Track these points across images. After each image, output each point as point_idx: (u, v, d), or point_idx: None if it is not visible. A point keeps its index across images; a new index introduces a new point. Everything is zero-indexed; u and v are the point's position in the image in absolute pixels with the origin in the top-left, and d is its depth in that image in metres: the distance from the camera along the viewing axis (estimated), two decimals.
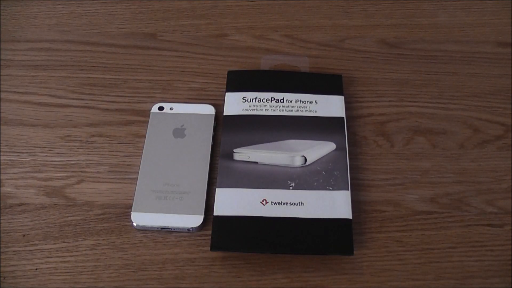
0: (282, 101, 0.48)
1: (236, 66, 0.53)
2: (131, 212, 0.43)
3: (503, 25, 0.56)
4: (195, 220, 0.43)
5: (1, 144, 0.48)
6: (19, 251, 0.43)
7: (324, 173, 0.44)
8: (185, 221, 0.43)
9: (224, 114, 0.48)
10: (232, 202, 0.43)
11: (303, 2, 0.59)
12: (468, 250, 0.43)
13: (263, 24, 0.57)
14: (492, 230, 0.44)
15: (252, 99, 0.48)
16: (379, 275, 0.42)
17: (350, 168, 0.46)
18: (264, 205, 0.42)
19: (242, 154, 0.45)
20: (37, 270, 0.42)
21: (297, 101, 0.48)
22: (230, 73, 0.51)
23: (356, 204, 0.45)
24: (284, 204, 0.42)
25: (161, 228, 0.43)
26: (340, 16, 0.57)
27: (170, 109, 0.49)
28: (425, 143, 0.49)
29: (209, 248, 0.42)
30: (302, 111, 0.48)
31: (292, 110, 0.48)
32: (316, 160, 0.45)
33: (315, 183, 0.43)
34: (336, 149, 0.46)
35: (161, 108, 0.49)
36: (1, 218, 0.44)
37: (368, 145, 0.48)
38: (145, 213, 0.43)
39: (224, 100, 0.49)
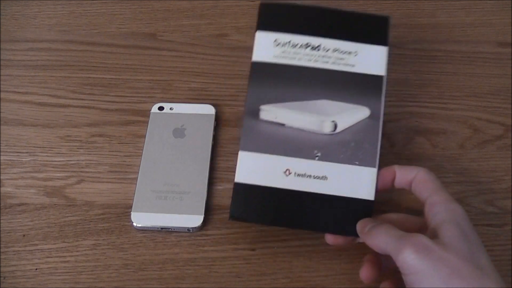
0: (318, 49, 0.43)
1: (236, 66, 0.53)
2: (131, 212, 0.43)
3: (503, 25, 0.56)
4: (195, 220, 0.43)
5: (1, 144, 0.48)
6: (19, 251, 0.43)
7: (353, 144, 0.41)
8: (185, 221, 0.43)
9: (253, 60, 0.43)
10: (255, 169, 0.41)
11: (302, 2, 0.59)
12: None
13: None
14: (492, 230, 0.44)
15: (286, 44, 0.43)
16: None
17: None
18: (287, 175, 0.40)
19: (269, 112, 0.42)
20: (37, 270, 0.42)
21: (335, 50, 0.43)
22: (263, 5, 0.45)
23: None
24: (307, 176, 0.40)
25: (161, 228, 0.43)
26: None
27: (170, 109, 0.49)
28: (425, 143, 0.48)
29: (209, 248, 0.42)
30: (339, 63, 0.43)
31: (328, 62, 0.43)
32: (347, 128, 0.42)
33: (342, 155, 0.41)
34: (369, 116, 0.42)
35: (161, 108, 0.49)
36: (1, 218, 0.44)
37: None
38: (145, 213, 0.43)
39: (254, 40, 0.44)
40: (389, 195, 0.46)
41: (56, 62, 0.53)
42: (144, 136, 0.48)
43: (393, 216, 0.40)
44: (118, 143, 0.48)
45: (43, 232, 0.44)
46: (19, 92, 0.51)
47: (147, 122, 0.49)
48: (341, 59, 0.43)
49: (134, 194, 0.45)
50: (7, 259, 0.42)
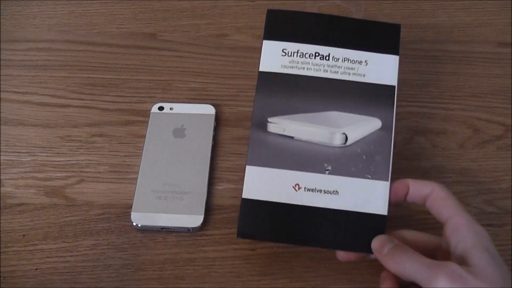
0: (327, 58, 0.42)
1: (236, 66, 0.53)
2: (131, 212, 0.43)
3: (503, 25, 0.56)
4: (195, 220, 0.43)
5: (1, 144, 0.48)
6: (19, 251, 0.43)
7: (364, 157, 0.40)
8: (185, 221, 0.43)
9: (260, 69, 0.42)
10: (263, 184, 0.39)
11: (302, 2, 0.59)
12: None
13: (263, 24, 0.57)
14: (492, 230, 0.44)
15: (294, 53, 0.42)
16: (379, 275, 0.42)
17: None
18: (296, 190, 0.39)
19: (277, 125, 0.40)
20: (37, 270, 0.42)
21: (344, 59, 0.42)
22: (270, 12, 0.44)
23: None
24: (318, 191, 0.39)
25: (161, 228, 0.43)
26: None
27: (170, 109, 0.49)
28: (425, 143, 0.48)
29: (209, 248, 0.42)
30: (349, 73, 0.42)
31: (337, 72, 0.42)
32: (358, 140, 0.40)
33: (353, 168, 0.39)
34: (381, 128, 0.41)
35: (161, 108, 0.49)
36: (1, 218, 0.44)
37: None
38: (145, 213, 0.43)
39: (261, 49, 0.43)
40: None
41: (56, 62, 0.53)
42: (144, 136, 0.48)
43: (406, 234, 0.38)
44: (118, 143, 0.48)
45: (43, 232, 0.44)
46: (19, 92, 0.51)
47: (147, 122, 0.49)
48: (351, 68, 0.42)
49: (134, 194, 0.45)
50: (7, 259, 0.42)
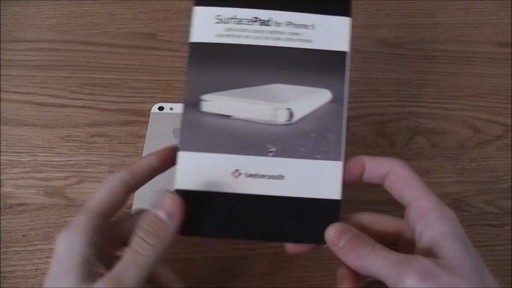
0: (268, 23, 0.37)
1: None
2: (131, 212, 0.43)
3: (503, 25, 0.56)
4: None
5: (1, 144, 0.48)
6: (19, 251, 0.43)
7: (313, 135, 0.35)
8: None
9: (191, 40, 0.36)
10: (198, 172, 0.34)
11: None
12: None
13: None
14: (492, 230, 0.44)
15: (229, 19, 0.37)
16: None
17: None
18: (236, 177, 0.34)
19: (213, 104, 0.35)
20: (37, 270, 0.42)
21: (288, 24, 0.37)
22: None
23: (356, 204, 0.45)
24: (260, 177, 0.34)
25: None
26: None
27: (170, 109, 0.49)
28: (425, 143, 0.49)
29: (209, 248, 0.42)
30: (294, 40, 0.36)
31: (280, 38, 0.36)
32: (305, 116, 0.36)
33: (301, 149, 0.35)
34: (331, 100, 0.35)
35: (161, 108, 0.49)
36: (1, 218, 0.44)
37: (368, 145, 0.48)
38: None
39: (191, 16, 0.37)
40: (389, 194, 0.45)
41: (56, 62, 0.53)
42: (144, 136, 0.48)
43: (364, 218, 0.34)
44: (118, 143, 0.48)
45: (43, 232, 0.44)
46: (19, 92, 0.51)
47: (147, 122, 0.49)
48: (296, 34, 0.37)
49: (134, 194, 0.44)
50: (7, 259, 0.42)
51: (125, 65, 0.53)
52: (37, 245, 0.43)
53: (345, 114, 0.35)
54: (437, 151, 0.48)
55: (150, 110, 0.49)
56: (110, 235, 0.32)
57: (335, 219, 0.34)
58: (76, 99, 0.51)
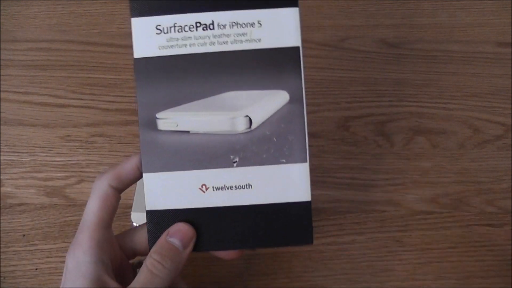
0: (211, 27, 0.34)
1: None
2: (131, 212, 0.43)
3: (503, 25, 0.56)
4: None
5: (1, 144, 0.48)
6: (19, 251, 0.43)
7: (275, 139, 0.34)
8: None
9: (135, 56, 0.35)
10: (166, 191, 0.34)
11: (303, 2, 0.59)
12: (468, 250, 0.43)
13: None
14: (492, 230, 0.44)
15: (170, 28, 0.34)
16: (379, 275, 0.42)
17: (350, 167, 0.46)
18: (204, 192, 0.34)
19: (168, 121, 0.34)
20: (37, 270, 0.42)
21: (232, 24, 0.34)
22: None
23: (356, 204, 0.45)
24: (228, 188, 0.34)
25: None
26: (340, 16, 0.57)
27: None
28: (425, 143, 0.49)
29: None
30: (241, 41, 0.34)
31: (227, 42, 0.34)
32: (264, 121, 0.35)
33: (265, 155, 0.34)
34: (289, 101, 0.34)
35: None
36: (1, 218, 0.44)
37: (368, 145, 0.48)
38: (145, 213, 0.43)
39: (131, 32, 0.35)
40: (389, 194, 0.46)
41: (56, 62, 0.53)
42: None
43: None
44: (118, 143, 0.48)
45: (43, 232, 0.44)
46: (19, 92, 0.51)
47: None
48: (243, 34, 0.34)
49: (134, 194, 0.45)
50: (7, 259, 0.42)
51: (125, 65, 0.53)
52: (37, 245, 0.43)
53: (305, 113, 0.34)
54: (437, 151, 0.48)
55: None
56: (114, 247, 0.34)
57: (309, 219, 0.34)
58: (76, 99, 0.51)
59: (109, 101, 0.51)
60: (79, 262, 0.31)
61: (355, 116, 0.50)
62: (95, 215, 0.33)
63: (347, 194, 0.46)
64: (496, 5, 0.57)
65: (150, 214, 0.34)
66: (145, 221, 0.44)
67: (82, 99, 0.51)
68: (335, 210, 0.45)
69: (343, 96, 0.51)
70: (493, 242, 0.43)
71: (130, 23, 0.34)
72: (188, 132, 0.34)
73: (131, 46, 0.54)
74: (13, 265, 0.42)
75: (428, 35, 0.55)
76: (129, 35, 0.56)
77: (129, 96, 0.51)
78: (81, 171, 0.47)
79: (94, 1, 0.58)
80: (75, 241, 0.32)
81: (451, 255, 0.43)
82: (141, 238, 0.35)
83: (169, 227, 0.34)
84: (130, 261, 0.36)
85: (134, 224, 0.43)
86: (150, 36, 0.34)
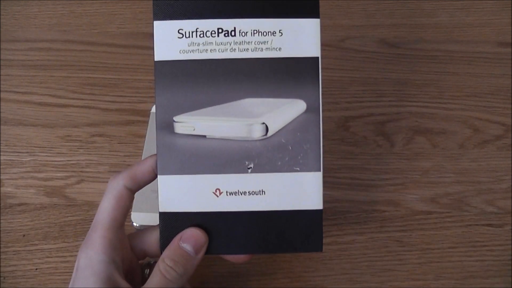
0: (233, 33, 0.35)
1: None
2: (131, 212, 0.43)
3: (503, 25, 0.56)
4: None
5: (1, 144, 0.48)
6: (19, 251, 0.43)
7: (290, 147, 0.35)
8: None
9: (156, 59, 0.35)
10: (180, 193, 0.35)
11: None
12: (468, 250, 0.43)
13: None
14: (492, 230, 0.44)
15: (192, 33, 0.35)
16: (379, 275, 0.42)
17: (350, 167, 0.46)
18: (217, 196, 0.35)
19: (185, 124, 0.35)
20: (37, 270, 0.42)
21: (254, 32, 0.35)
22: None
23: (356, 204, 0.45)
24: (241, 194, 0.35)
25: None
26: (340, 16, 0.57)
27: None
28: (425, 143, 0.49)
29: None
30: (262, 49, 0.35)
31: (248, 50, 0.35)
32: (281, 129, 0.35)
33: (279, 162, 0.35)
34: (306, 111, 0.35)
35: None
36: (1, 218, 0.44)
37: (368, 145, 0.48)
38: (145, 213, 0.43)
39: (153, 34, 0.35)
40: (389, 194, 0.46)
41: (56, 62, 0.53)
42: (144, 136, 0.48)
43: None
44: (118, 143, 0.48)
45: (43, 232, 0.44)
46: (19, 92, 0.51)
47: (147, 122, 0.49)
48: (264, 42, 0.35)
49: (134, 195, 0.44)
50: (7, 259, 0.42)
51: (125, 65, 0.53)
52: (37, 245, 0.43)
53: (321, 123, 0.35)
54: (437, 151, 0.48)
55: (150, 110, 0.49)
56: (125, 247, 0.34)
57: (319, 227, 0.35)
58: (76, 99, 0.51)
59: (109, 101, 0.51)
60: (91, 261, 0.31)
61: (355, 116, 0.50)
62: (109, 214, 0.33)
63: (347, 194, 0.46)
64: (496, 5, 0.57)
65: (163, 216, 0.35)
66: (145, 221, 0.44)
67: (82, 99, 0.51)
68: (335, 210, 0.45)
69: (343, 96, 0.51)
70: (493, 242, 0.43)
71: (152, 26, 0.35)
72: (204, 136, 0.35)
73: (131, 46, 0.55)
74: (13, 265, 0.42)
75: (428, 35, 0.55)
76: (129, 35, 0.56)
77: (129, 96, 0.51)
78: (81, 171, 0.47)
79: (94, 1, 0.58)
80: (88, 239, 0.32)
81: (451, 255, 0.43)
82: (152, 239, 0.35)
83: (181, 230, 0.34)
84: (139, 262, 0.36)
85: (134, 224, 0.43)
86: (171, 40, 0.35)
